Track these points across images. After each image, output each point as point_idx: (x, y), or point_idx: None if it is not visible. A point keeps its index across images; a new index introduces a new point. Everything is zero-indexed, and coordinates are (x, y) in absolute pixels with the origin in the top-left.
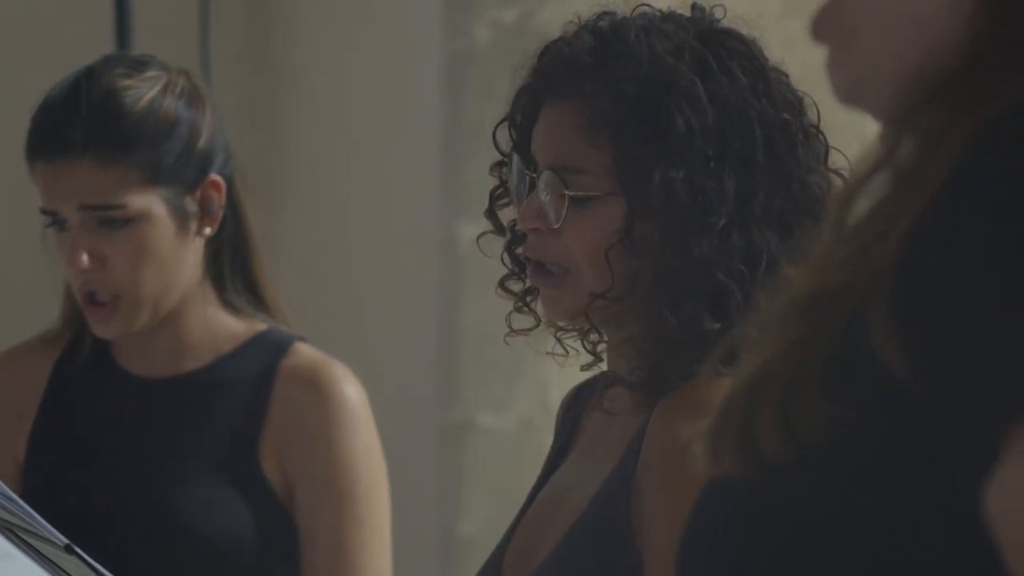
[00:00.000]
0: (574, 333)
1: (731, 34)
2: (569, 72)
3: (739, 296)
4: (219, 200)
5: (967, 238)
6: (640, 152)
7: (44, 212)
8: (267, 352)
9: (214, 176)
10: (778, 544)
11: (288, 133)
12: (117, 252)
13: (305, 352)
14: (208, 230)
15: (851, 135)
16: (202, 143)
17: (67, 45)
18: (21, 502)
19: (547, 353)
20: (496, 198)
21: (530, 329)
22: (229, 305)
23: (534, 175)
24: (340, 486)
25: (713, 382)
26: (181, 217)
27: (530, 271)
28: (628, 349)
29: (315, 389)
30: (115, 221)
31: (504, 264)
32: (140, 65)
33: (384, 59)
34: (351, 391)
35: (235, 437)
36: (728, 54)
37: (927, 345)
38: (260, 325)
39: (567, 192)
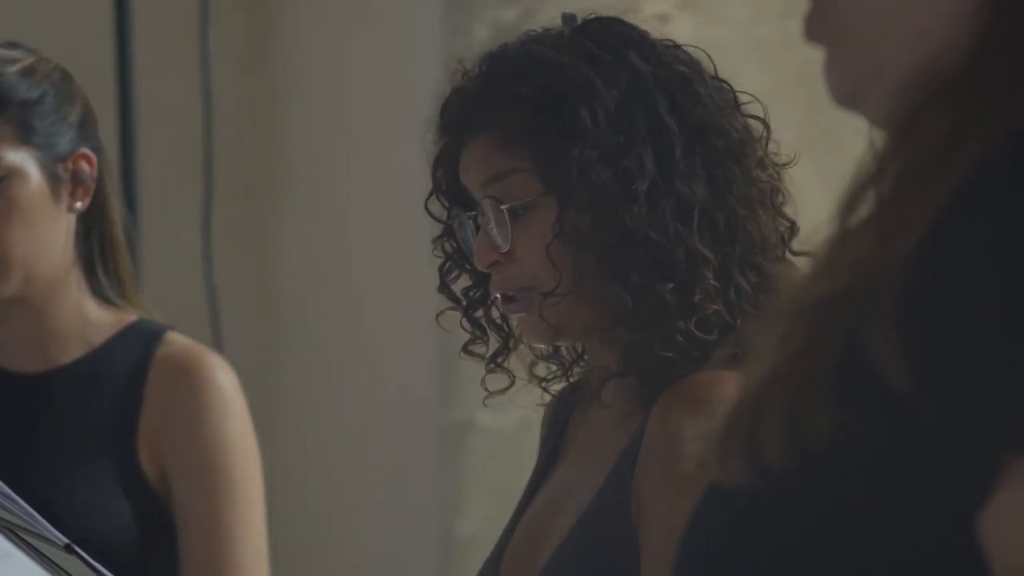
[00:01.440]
0: (553, 368)
1: (602, 19)
2: (469, 109)
3: (681, 252)
4: (91, 173)
5: (973, 251)
6: (554, 146)
7: None
8: (139, 342)
9: (86, 149)
10: (776, 553)
11: (288, 133)
12: None
13: (178, 341)
14: (79, 204)
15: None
16: (73, 118)
17: (67, 45)
18: (21, 502)
19: (538, 405)
20: (446, 273)
21: (506, 388)
22: (99, 295)
23: (474, 213)
24: (214, 473)
25: (711, 378)
26: (53, 181)
27: (501, 305)
28: (606, 350)
29: (187, 377)
30: None
31: (464, 330)
32: (11, 44)
33: (384, 59)
34: (224, 379)
35: (110, 431)
36: (607, 35)
37: (929, 362)
38: (130, 316)
39: (503, 207)
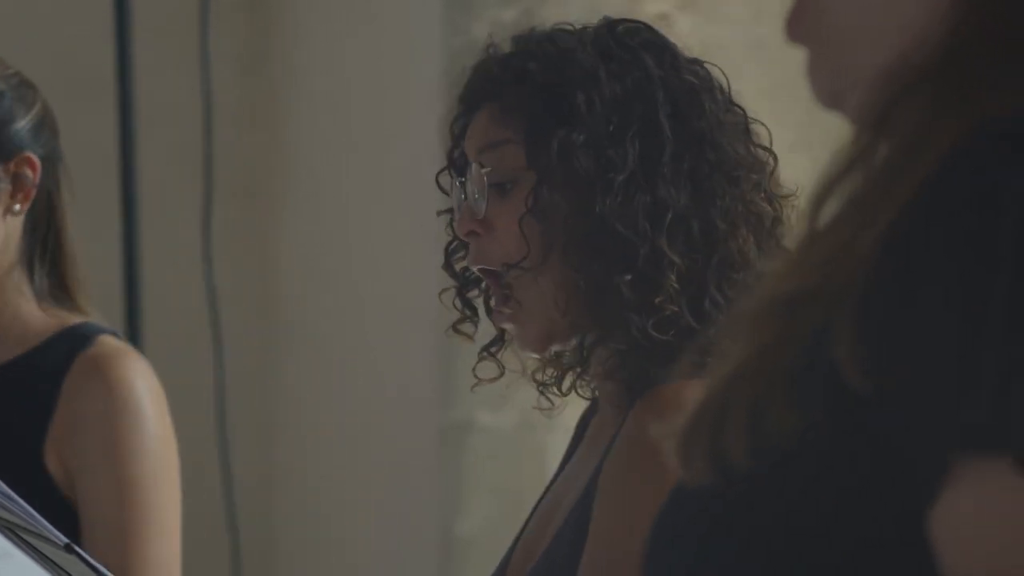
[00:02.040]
0: (552, 377)
1: (630, 21)
2: (482, 81)
3: (646, 249)
4: (32, 178)
5: (930, 250)
6: (543, 124)
7: None
8: (71, 344)
9: (29, 154)
10: (740, 554)
11: (288, 133)
12: None
13: (105, 343)
14: (18, 206)
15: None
16: (22, 123)
17: (67, 45)
18: (21, 501)
19: (534, 408)
20: (452, 252)
21: (496, 378)
22: (40, 299)
23: (464, 179)
24: (118, 475)
25: (687, 383)
26: None
27: (494, 316)
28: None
29: (99, 378)
30: None
31: (456, 308)
32: None
33: (384, 59)
34: (138, 381)
35: (23, 434)
36: (628, 35)
37: (883, 361)
38: (74, 319)
39: (483, 172)
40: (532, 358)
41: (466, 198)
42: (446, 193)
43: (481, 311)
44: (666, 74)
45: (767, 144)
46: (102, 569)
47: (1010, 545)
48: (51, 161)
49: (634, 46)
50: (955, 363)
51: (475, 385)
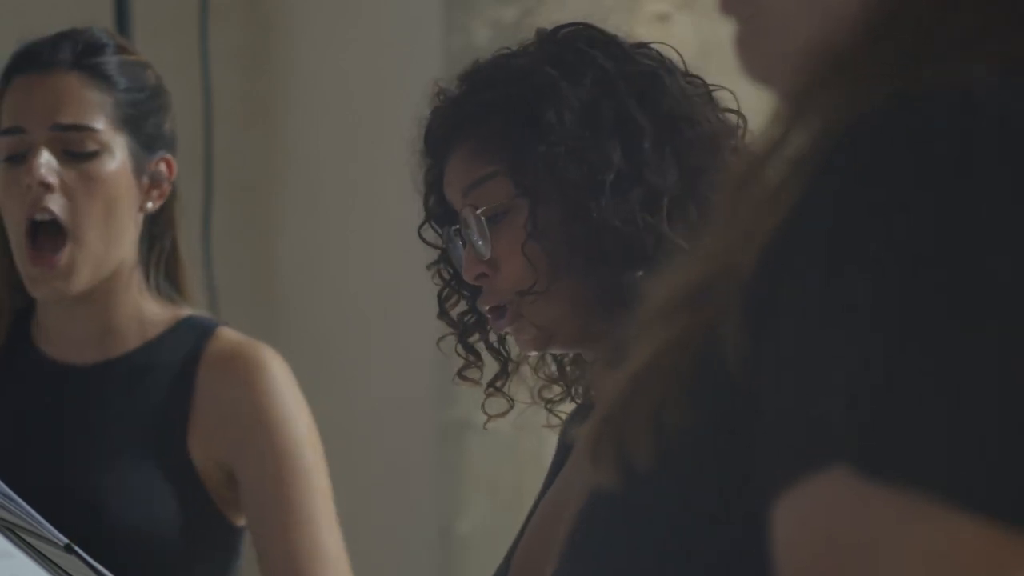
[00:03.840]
0: (558, 390)
1: (569, 25)
2: (447, 124)
3: (651, 239)
4: (168, 178)
5: (802, 253)
6: (523, 147)
7: (6, 133)
8: (191, 337)
9: (169, 156)
10: (632, 556)
11: (287, 132)
12: (76, 179)
13: (229, 336)
14: (151, 204)
15: None
16: (168, 125)
17: None
18: (21, 502)
19: (544, 426)
20: (445, 299)
21: (505, 412)
22: (155, 291)
23: (459, 226)
24: (282, 461)
25: None
26: (138, 173)
27: (491, 324)
28: (599, 350)
29: (240, 370)
30: (81, 154)
31: (459, 355)
32: (127, 42)
33: (383, 58)
34: (277, 368)
35: (160, 424)
36: (572, 38)
37: (757, 356)
38: (184, 311)
39: (479, 211)
40: (543, 372)
41: (465, 245)
42: (431, 245)
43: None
44: (620, 65)
45: (734, 107)
46: (102, 569)
47: (823, 554)
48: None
49: (581, 47)
50: (809, 367)
51: (487, 422)
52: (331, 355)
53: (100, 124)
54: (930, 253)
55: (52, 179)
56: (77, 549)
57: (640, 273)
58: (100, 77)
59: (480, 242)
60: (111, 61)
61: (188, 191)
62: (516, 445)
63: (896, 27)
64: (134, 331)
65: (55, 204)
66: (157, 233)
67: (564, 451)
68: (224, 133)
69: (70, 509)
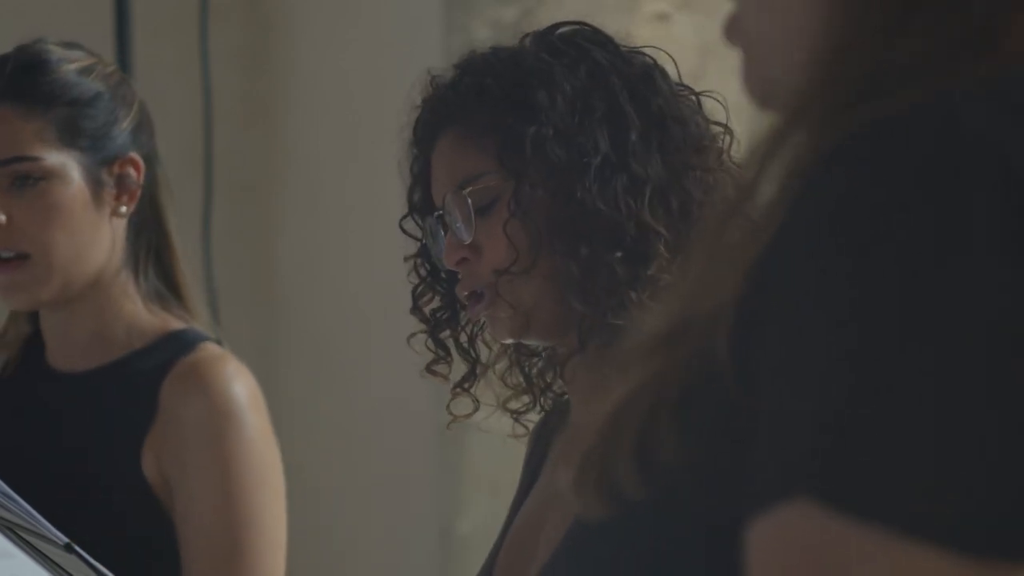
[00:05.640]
0: (527, 399)
1: (566, 23)
2: (437, 111)
3: (632, 224)
4: (136, 178)
5: (793, 260)
6: (513, 131)
7: None
8: (172, 350)
9: (134, 154)
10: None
11: (287, 132)
12: (28, 209)
13: (204, 352)
14: (124, 209)
15: None
16: (125, 124)
17: None
18: (21, 501)
19: (509, 436)
20: (419, 295)
21: (470, 414)
22: (147, 300)
23: (441, 212)
24: (224, 488)
25: None
26: (95, 184)
27: (468, 308)
28: (572, 337)
29: (197, 384)
30: (28, 179)
31: (429, 349)
32: (71, 45)
33: (383, 57)
34: (237, 387)
35: (122, 435)
36: (570, 34)
37: (747, 379)
38: (176, 324)
39: (465, 192)
40: (509, 380)
41: (445, 231)
42: (413, 237)
43: (452, 350)
44: (615, 62)
45: (722, 120)
46: (102, 569)
47: None
48: (151, 160)
49: (579, 42)
50: (779, 399)
51: (451, 423)
52: (331, 355)
53: (40, 151)
54: (890, 294)
55: (1, 217)
56: (77, 548)
57: (619, 255)
58: (35, 101)
59: (463, 226)
60: (47, 80)
61: (188, 191)
62: (516, 445)
63: (848, 58)
64: (121, 339)
65: (11, 240)
66: (140, 236)
67: (541, 449)
68: (224, 133)
69: (59, 521)
